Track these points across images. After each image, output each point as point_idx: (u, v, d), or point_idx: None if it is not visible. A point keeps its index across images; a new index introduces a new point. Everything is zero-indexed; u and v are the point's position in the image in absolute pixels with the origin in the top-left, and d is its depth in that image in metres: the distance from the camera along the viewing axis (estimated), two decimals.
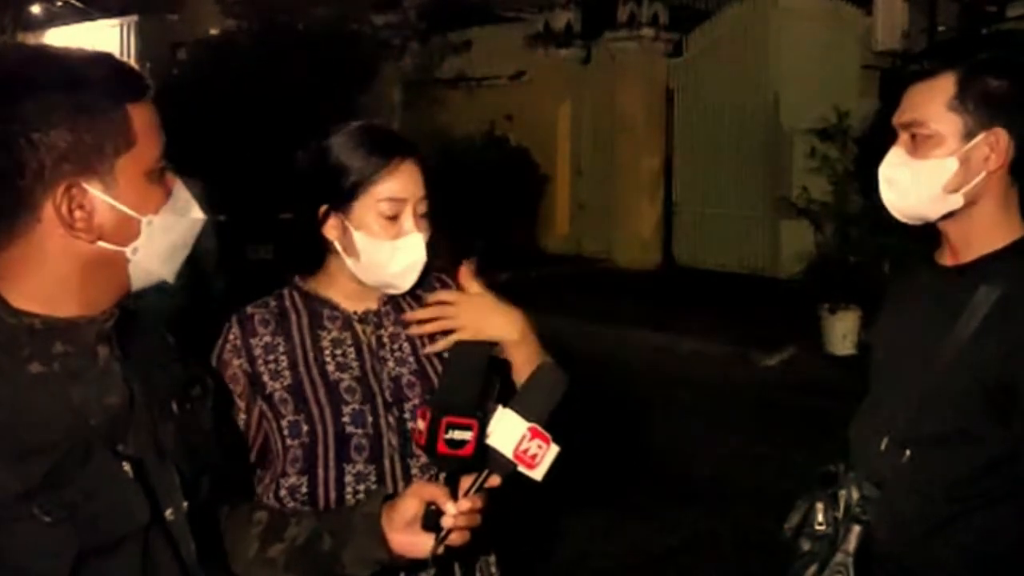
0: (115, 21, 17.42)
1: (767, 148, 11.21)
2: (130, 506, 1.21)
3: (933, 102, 1.73)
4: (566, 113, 13.18)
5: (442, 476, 1.43)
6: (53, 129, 1.19)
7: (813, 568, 1.81)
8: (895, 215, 1.81)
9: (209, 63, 12.88)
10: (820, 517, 1.82)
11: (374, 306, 1.86)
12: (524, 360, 1.79)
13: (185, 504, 1.31)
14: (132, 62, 1.30)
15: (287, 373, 1.80)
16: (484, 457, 1.40)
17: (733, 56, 11.65)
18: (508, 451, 1.39)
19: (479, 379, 1.44)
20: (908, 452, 1.73)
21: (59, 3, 18.32)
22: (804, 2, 11.04)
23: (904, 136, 1.77)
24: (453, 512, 1.39)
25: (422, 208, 1.80)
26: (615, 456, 5.62)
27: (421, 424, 1.41)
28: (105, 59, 1.28)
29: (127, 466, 1.22)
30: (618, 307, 9.75)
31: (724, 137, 11.72)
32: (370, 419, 1.78)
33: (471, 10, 13.74)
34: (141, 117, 1.26)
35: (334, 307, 1.85)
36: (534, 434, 1.40)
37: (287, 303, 1.87)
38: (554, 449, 1.41)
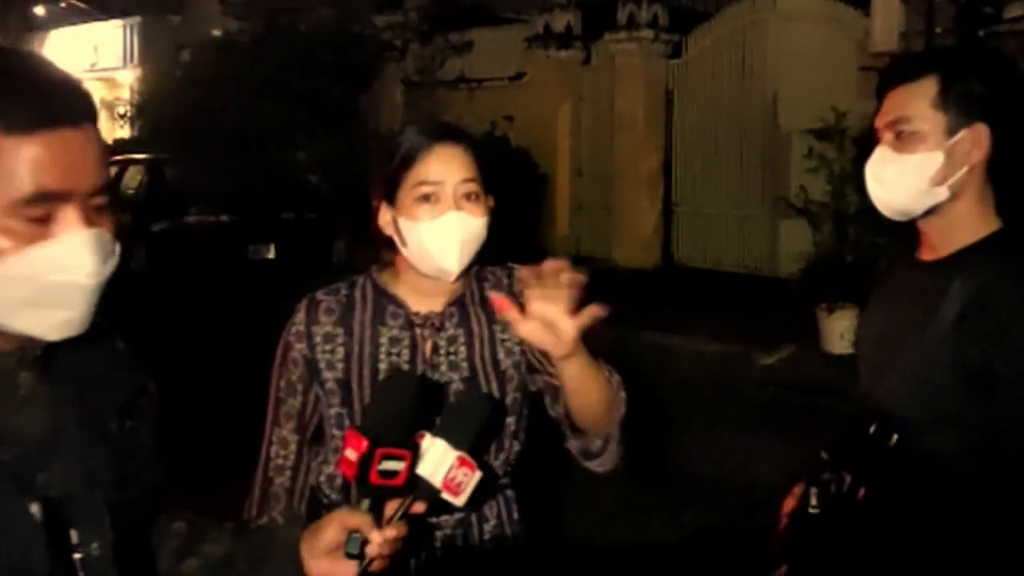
0: (118, 22, 17.48)
1: (765, 148, 11.26)
2: (29, 553, 1.11)
3: (917, 102, 1.80)
4: (566, 114, 13.22)
5: (365, 502, 1.40)
6: None
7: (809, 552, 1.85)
8: (883, 211, 1.86)
9: (211, 64, 12.93)
10: (814, 501, 1.85)
11: (438, 308, 1.86)
12: (576, 374, 1.69)
13: (111, 537, 1.22)
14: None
15: (340, 365, 1.83)
16: (412, 484, 1.40)
17: (732, 57, 11.70)
18: (437, 481, 1.40)
19: (411, 408, 1.42)
20: (895, 437, 1.78)
21: (63, 4, 18.37)
22: (802, 4, 11.08)
23: (888, 135, 1.83)
24: (378, 540, 1.36)
25: (466, 189, 1.80)
26: None
27: (352, 454, 1.37)
28: (10, 79, 1.09)
29: (34, 508, 1.12)
30: (617, 306, 9.77)
31: (723, 137, 11.77)
32: None
33: (472, 12, 13.80)
34: (14, 154, 1.06)
35: (399, 304, 1.86)
36: (461, 463, 1.41)
37: (357, 293, 1.88)
38: (477, 475, 1.42)
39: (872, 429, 1.81)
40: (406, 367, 1.82)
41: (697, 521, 4.99)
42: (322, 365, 1.83)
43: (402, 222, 1.79)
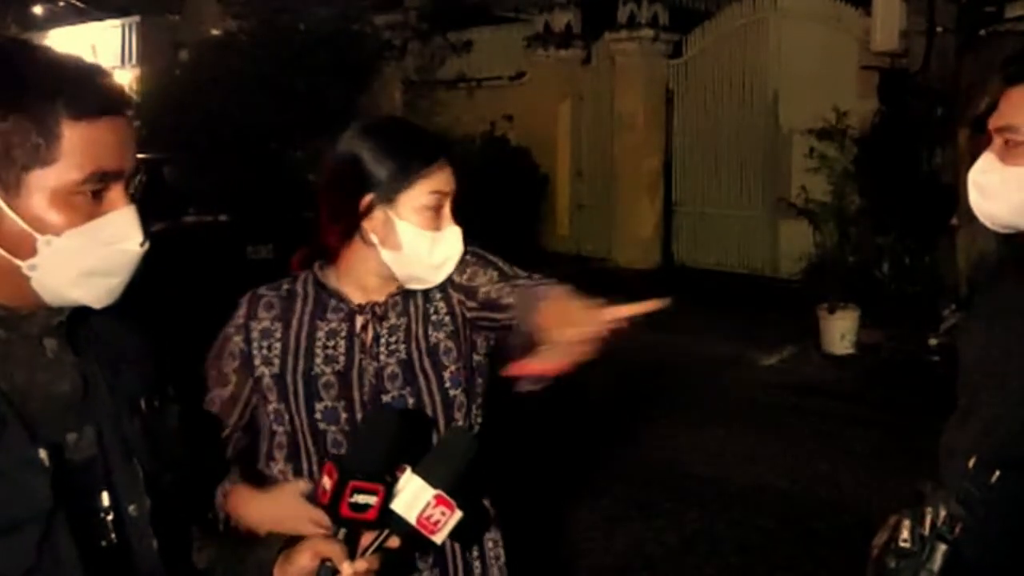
0: (117, 21, 17.47)
1: (766, 148, 11.25)
2: (31, 492, 1.16)
3: None
4: (566, 113, 13.21)
5: (341, 532, 1.40)
6: None
7: None
8: (985, 222, 1.72)
9: (211, 63, 12.93)
10: (905, 534, 1.75)
11: (380, 299, 1.86)
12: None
13: (148, 502, 1.30)
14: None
15: (276, 361, 1.84)
16: (386, 519, 1.39)
17: (732, 56, 11.68)
18: (411, 518, 1.39)
19: (389, 442, 1.41)
20: (997, 473, 1.66)
21: (61, 3, 18.37)
22: (803, 3, 11.06)
23: (998, 141, 1.68)
24: (348, 572, 1.37)
25: (450, 204, 1.85)
26: (613, 454, 5.66)
27: (326, 482, 1.38)
28: (74, 70, 1.21)
29: (42, 453, 1.17)
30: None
31: (723, 137, 11.76)
32: (344, 416, 1.81)
33: (472, 11, 13.79)
34: (81, 137, 1.18)
35: (341, 299, 1.86)
36: (439, 501, 1.39)
37: (299, 288, 1.90)
38: (457, 515, 1.40)
39: (971, 463, 1.70)
40: (342, 359, 1.83)
41: (698, 521, 4.98)
42: (257, 361, 1.85)
43: (403, 227, 1.80)
